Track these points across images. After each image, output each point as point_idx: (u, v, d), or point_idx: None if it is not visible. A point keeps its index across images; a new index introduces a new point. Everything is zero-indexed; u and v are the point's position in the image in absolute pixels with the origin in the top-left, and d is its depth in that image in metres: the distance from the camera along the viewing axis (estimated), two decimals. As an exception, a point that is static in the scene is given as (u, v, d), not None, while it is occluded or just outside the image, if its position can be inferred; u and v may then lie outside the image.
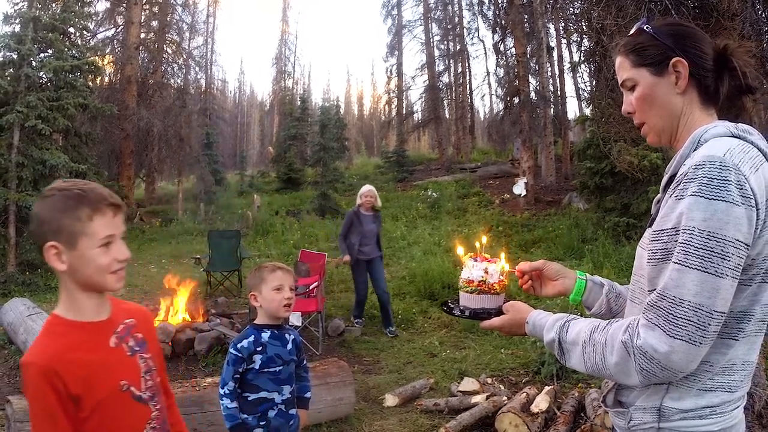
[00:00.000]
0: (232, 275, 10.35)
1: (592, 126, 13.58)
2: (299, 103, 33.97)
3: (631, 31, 1.60)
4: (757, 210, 1.29)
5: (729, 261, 1.27)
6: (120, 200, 1.68)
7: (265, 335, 2.83)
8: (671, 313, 1.29)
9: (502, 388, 5.37)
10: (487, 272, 1.84)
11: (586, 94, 22.14)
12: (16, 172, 10.87)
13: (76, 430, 1.56)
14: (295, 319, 6.93)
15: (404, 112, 31.73)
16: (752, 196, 1.28)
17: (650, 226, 1.50)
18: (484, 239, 2.02)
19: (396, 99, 31.94)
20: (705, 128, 1.44)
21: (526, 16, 18.88)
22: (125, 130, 20.23)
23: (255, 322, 2.91)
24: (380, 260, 8.14)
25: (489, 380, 5.56)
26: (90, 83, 16.02)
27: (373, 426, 4.85)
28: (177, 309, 7.31)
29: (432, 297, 9.17)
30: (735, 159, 1.31)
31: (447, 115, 31.84)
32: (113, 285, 1.64)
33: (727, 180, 1.27)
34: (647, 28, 1.55)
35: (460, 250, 2.04)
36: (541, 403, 4.78)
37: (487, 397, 4.93)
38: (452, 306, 1.95)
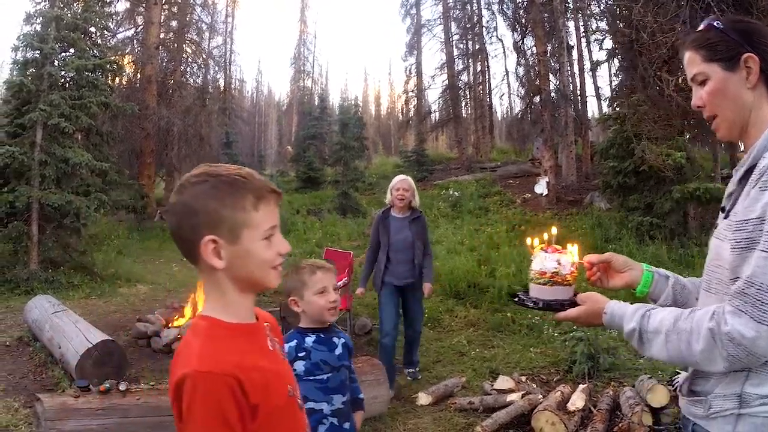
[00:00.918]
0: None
1: (614, 125, 13.45)
2: (318, 102, 33.97)
3: (700, 27, 1.64)
4: None
5: None
6: (279, 188, 1.49)
7: (310, 339, 2.58)
8: (759, 299, 1.32)
9: (535, 386, 5.30)
10: (560, 263, 1.83)
11: (605, 94, 22.08)
12: (39, 170, 10.89)
13: None
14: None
15: (423, 112, 31.62)
16: None
17: (726, 217, 1.54)
18: (554, 230, 1.97)
19: (415, 98, 31.85)
20: None
21: (546, 15, 18.72)
22: (146, 129, 20.29)
23: (300, 325, 2.65)
24: (419, 289, 5.78)
25: (523, 378, 5.49)
26: (111, 82, 16.13)
27: (407, 424, 4.81)
28: (200, 306, 7.27)
29: (458, 296, 9.10)
30: None
31: (465, 115, 31.72)
32: (274, 282, 1.45)
33: None
34: (717, 24, 1.58)
35: (531, 241, 2.01)
36: (577, 401, 4.73)
37: (523, 396, 4.87)
38: (523, 298, 1.91)
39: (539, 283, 1.85)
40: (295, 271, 2.61)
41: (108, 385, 4.39)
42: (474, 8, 28.78)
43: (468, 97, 31.36)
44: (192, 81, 25.13)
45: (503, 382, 5.30)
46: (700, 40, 1.59)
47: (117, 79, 19.30)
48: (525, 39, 21.09)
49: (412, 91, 31.70)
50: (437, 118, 32.04)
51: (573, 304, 1.78)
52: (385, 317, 5.63)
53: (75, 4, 14.32)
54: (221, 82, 30.80)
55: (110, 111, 14.29)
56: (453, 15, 29.89)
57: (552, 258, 1.84)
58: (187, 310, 7.37)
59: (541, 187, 16.91)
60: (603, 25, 17.59)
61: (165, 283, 11.42)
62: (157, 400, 4.31)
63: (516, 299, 1.95)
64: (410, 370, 6.02)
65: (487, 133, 29.98)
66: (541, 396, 4.88)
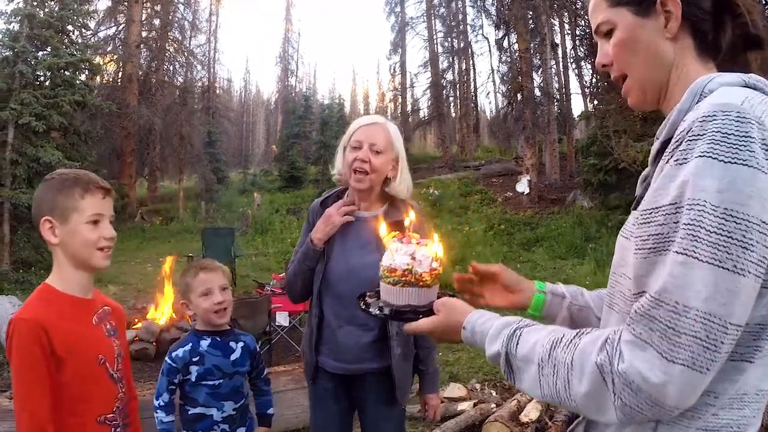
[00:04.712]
0: (225, 274, 10.18)
1: (595, 122, 13.38)
2: (302, 100, 33.85)
3: None
4: None
5: (752, 252, 0.89)
6: (109, 185, 1.86)
7: (205, 343, 2.45)
8: (671, 327, 0.90)
9: (494, 393, 5.09)
10: (414, 258, 1.41)
11: (587, 91, 22.03)
12: (10, 169, 10.80)
13: (58, 394, 1.70)
14: (282, 319, 6.67)
15: (407, 110, 31.51)
16: None
17: (635, 208, 1.12)
18: (413, 215, 1.65)
19: (399, 97, 31.74)
20: (709, 76, 1.06)
21: (530, 12, 18.63)
22: (126, 128, 20.11)
23: (196, 327, 2.53)
24: (394, 403, 2.51)
25: (478, 385, 5.29)
26: (90, 81, 15.94)
27: (352, 432, 4.63)
28: (163, 308, 7.13)
29: (428, 296, 8.94)
30: (756, 110, 0.95)
31: (453, 113, 31.62)
32: (99, 262, 1.81)
33: (749, 137, 0.91)
34: None
35: (382, 228, 1.60)
36: (531, 412, 4.48)
37: (475, 404, 4.64)
38: (370, 302, 1.51)
39: (389, 283, 1.43)
40: (183, 273, 2.57)
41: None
42: (459, 5, 28.70)
43: (453, 95, 31.26)
44: (174, 80, 24.93)
45: (454, 389, 5.06)
46: None
47: (98, 78, 19.11)
48: (508, 36, 20.99)
49: (397, 89, 31.60)
50: (423, 117, 31.90)
51: (431, 312, 1.38)
52: None
53: (51, 3, 14.13)
54: (205, 81, 30.60)
55: (88, 110, 14.13)
56: (438, 12, 29.80)
57: (405, 251, 1.43)
58: (151, 311, 7.22)
59: (522, 186, 16.84)
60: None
61: (137, 284, 11.22)
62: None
63: (362, 304, 1.52)
64: None
65: (472, 132, 29.89)
66: (495, 405, 4.65)
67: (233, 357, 2.49)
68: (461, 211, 17.26)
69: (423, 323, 1.36)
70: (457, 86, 30.65)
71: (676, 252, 0.92)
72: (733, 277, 0.88)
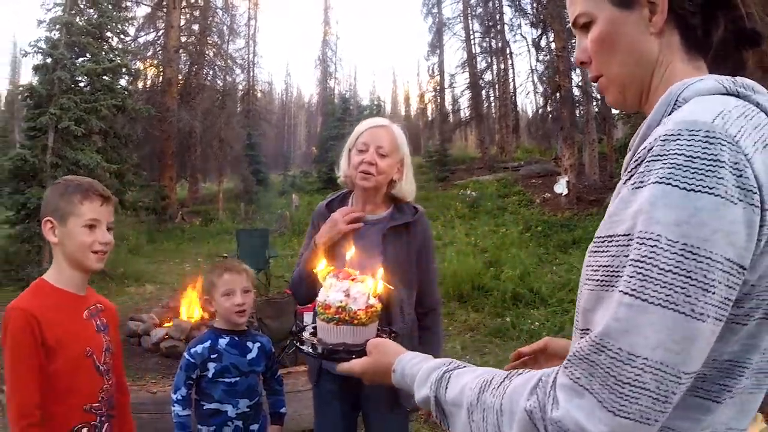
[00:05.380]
0: (259, 274, 10.25)
1: (632, 121, 13.09)
2: (340, 102, 34.01)
3: None
4: (763, 211, 0.79)
5: (713, 294, 0.77)
6: (110, 194, 2.03)
7: (223, 342, 2.55)
8: (614, 376, 0.78)
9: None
10: (348, 295, 1.37)
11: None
12: (50, 172, 11.08)
13: (47, 382, 1.81)
14: (309, 319, 6.70)
15: (446, 111, 31.36)
16: (755, 189, 0.79)
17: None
18: (353, 249, 1.57)
19: (438, 98, 31.64)
20: (685, 83, 0.93)
21: (566, 10, 18.31)
22: (166, 131, 20.49)
23: (216, 325, 2.64)
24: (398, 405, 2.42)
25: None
26: (130, 86, 16.33)
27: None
28: (194, 307, 7.21)
29: (461, 299, 8.86)
30: (731, 128, 0.81)
31: (493, 113, 31.35)
32: (93, 264, 1.96)
33: (717, 160, 0.78)
34: None
35: (322, 264, 1.51)
36: None
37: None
38: (304, 339, 1.48)
39: (323, 320, 1.39)
40: (209, 270, 2.74)
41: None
42: (496, 5, 28.43)
43: (492, 95, 31.01)
44: (213, 83, 25.31)
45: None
46: None
47: (138, 83, 19.56)
48: (546, 35, 20.71)
49: (436, 90, 31.49)
50: (461, 117, 31.71)
51: (365, 352, 1.32)
52: None
53: (89, 11, 14.50)
54: (245, 85, 31.01)
55: (127, 114, 14.47)
56: (474, 12, 29.58)
57: (339, 287, 1.39)
58: (182, 310, 7.32)
59: (560, 187, 16.54)
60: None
61: (173, 283, 11.42)
62: (135, 396, 4.22)
63: (295, 340, 1.49)
64: None
65: (511, 132, 29.58)
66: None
67: (249, 356, 2.59)
68: (498, 212, 17.07)
69: (354, 364, 1.31)
70: (496, 86, 30.37)
71: (622, 292, 0.80)
72: (689, 323, 0.77)
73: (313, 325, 1.49)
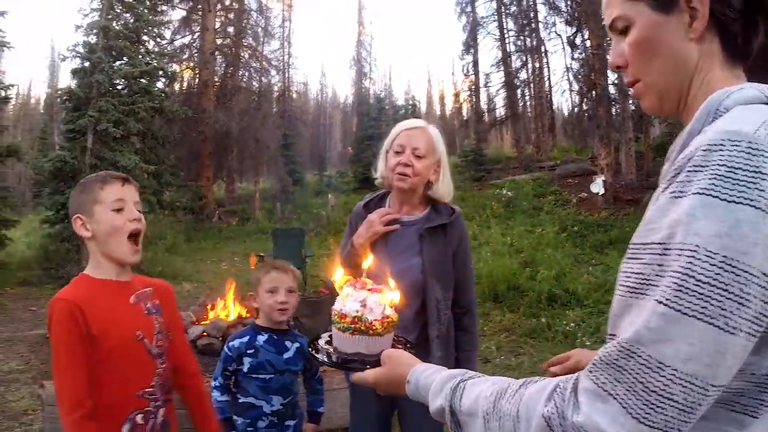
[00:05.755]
0: (295, 274, 10.34)
1: (670, 119, 12.85)
2: (375, 102, 34.10)
3: None
4: None
5: (748, 308, 0.76)
6: (128, 177, 2.04)
7: (261, 338, 2.61)
8: (641, 383, 0.77)
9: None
10: (364, 305, 1.36)
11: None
12: (89, 173, 11.29)
13: (95, 370, 1.81)
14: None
15: (481, 110, 31.18)
16: None
17: None
18: (371, 258, 1.58)
19: (473, 97, 31.45)
20: (726, 91, 0.91)
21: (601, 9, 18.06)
22: (203, 132, 20.79)
23: (257, 322, 2.70)
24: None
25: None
26: (167, 88, 16.64)
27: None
28: (230, 305, 7.31)
29: (496, 299, 8.83)
30: None
31: (529, 112, 31.08)
32: (129, 255, 1.95)
33: (759, 172, 0.77)
34: None
35: (338, 273, 1.51)
36: None
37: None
38: (319, 347, 1.47)
39: (339, 329, 1.38)
40: (259, 267, 2.81)
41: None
42: (530, 3, 28.14)
43: (527, 94, 30.73)
44: (249, 85, 25.58)
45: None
46: None
47: (175, 85, 19.89)
48: (581, 32, 20.44)
49: (470, 89, 31.30)
50: (496, 117, 31.49)
51: (380, 362, 1.32)
52: None
53: (126, 15, 14.81)
54: (280, 86, 31.29)
55: (165, 115, 14.74)
56: (508, 11, 29.33)
57: (356, 297, 1.38)
58: (219, 308, 7.42)
59: (597, 186, 16.33)
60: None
61: (210, 281, 11.59)
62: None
63: (311, 348, 1.49)
64: None
65: (547, 131, 29.28)
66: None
67: (286, 356, 2.63)
68: (534, 212, 16.92)
69: (367, 374, 1.31)
70: (531, 85, 30.09)
71: (658, 301, 0.79)
72: (722, 336, 0.76)
73: (330, 333, 1.49)
